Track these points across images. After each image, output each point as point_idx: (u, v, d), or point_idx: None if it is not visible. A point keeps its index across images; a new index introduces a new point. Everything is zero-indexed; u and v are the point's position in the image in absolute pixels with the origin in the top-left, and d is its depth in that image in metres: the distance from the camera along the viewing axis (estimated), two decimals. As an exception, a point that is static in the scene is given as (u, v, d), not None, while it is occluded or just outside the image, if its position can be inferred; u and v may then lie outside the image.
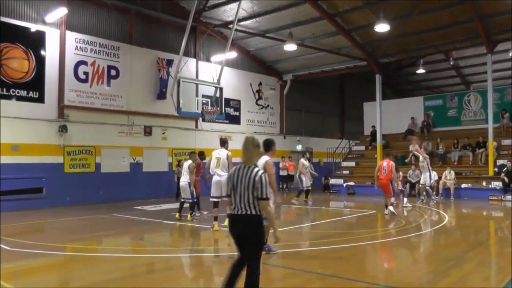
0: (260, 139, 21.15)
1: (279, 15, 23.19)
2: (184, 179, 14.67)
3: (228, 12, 23.48)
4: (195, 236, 12.87)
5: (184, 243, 11.83)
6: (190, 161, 14.91)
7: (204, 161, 16.03)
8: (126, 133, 21.66)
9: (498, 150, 23.70)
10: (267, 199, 5.39)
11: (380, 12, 20.31)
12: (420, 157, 19.96)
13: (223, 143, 13.06)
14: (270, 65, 29.68)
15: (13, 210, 16.63)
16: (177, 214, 14.70)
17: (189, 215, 14.50)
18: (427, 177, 19.95)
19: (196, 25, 23.92)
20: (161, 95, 22.58)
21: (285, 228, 12.60)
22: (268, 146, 9.23)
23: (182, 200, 14.98)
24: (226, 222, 12.34)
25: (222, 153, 12.64)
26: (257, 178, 5.38)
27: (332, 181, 27.84)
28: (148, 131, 22.35)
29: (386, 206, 15.56)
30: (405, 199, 18.86)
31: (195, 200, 14.84)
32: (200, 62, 24.91)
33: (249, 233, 5.41)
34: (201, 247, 11.20)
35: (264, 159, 8.92)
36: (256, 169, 5.48)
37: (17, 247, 9.97)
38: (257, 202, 5.38)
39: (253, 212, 5.39)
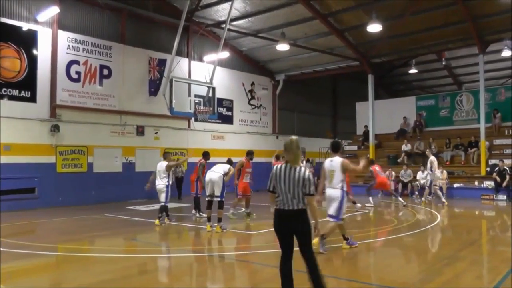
0: (254, 139, 21.40)
1: (272, 15, 23.20)
2: (162, 182, 13.90)
3: (221, 12, 23.47)
4: (188, 237, 12.85)
5: (177, 244, 11.80)
6: (165, 162, 14.14)
7: (208, 161, 15.97)
8: (119, 133, 21.60)
9: (490, 149, 23.80)
10: (313, 195, 5.89)
11: (373, 12, 20.35)
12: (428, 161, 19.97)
13: (230, 162, 13.89)
14: (263, 65, 29.68)
15: (6, 211, 16.52)
16: (166, 218, 14.04)
17: (157, 220, 13.82)
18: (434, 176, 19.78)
19: (189, 24, 23.89)
20: (152, 93, 22.61)
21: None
22: (338, 147, 9.94)
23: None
24: (208, 227, 12.39)
25: (225, 165, 13.24)
26: (306, 176, 5.84)
27: (324, 180, 27.81)
28: (140, 131, 22.30)
29: (354, 203, 17.38)
30: (400, 198, 18.90)
31: (167, 204, 14.07)
32: (192, 62, 24.87)
33: (301, 226, 5.85)
34: (194, 248, 11.19)
35: (339, 159, 9.58)
36: (303, 169, 5.90)
37: (9, 248, 9.92)
38: (304, 198, 5.85)
39: (301, 207, 5.84)
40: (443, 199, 19.15)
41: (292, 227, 5.86)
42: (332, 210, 9.54)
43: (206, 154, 15.82)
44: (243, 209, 15.57)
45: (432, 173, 19.61)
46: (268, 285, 7.47)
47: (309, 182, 5.86)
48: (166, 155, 14.86)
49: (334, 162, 9.58)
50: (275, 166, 6.02)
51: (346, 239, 9.83)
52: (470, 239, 11.91)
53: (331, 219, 9.55)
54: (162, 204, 13.86)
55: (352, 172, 9.58)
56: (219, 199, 12.42)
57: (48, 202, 18.72)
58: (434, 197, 21.15)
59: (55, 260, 9.61)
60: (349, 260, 9.13)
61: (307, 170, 5.94)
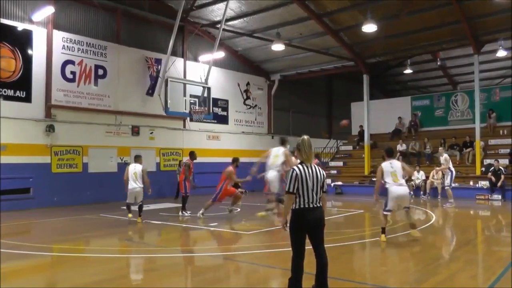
0: (249, 139, 21.41)
1: (267, 15, 23.21)
2: (140, 185, 14.11)
3: (216, 11, 23.46)
4: (182, 236, 12.84)
5: (171, 244, 11.79)
6: (137, 165, 14.31)
7: (195, 161, 16.02)
8: (114, 133, 21.57)
9: (485, 149, 23.86)
10: (326, 192, 6.31)
11: (368, 12, 20.38)
12: (441, 158, 19.25)
13: (283, 142, 14.21)
14: (258, 65, 29.69)
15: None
16: (139, 218, 14.16)
17: (139, 218, 14.17)
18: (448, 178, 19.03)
19: (184, 24, 23.89)
20: (151, 93, 22.62)
21: (272, 228, 12.60)
22: (392, 152, 11.52)
23: (128, 205, 14.55)
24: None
25: (280, 153, 13.75)
26: (324, 175, 6.25)
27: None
28: (136, 131, 22.26)
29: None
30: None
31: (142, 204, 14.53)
32: (188, 62, 24.86)
33: (323, 221, 6.18)
34: (189, 248, 11.18)
35: (396, 161, 11.09)
36: (319, 167, 6.23)
37: (4, 248, 9.88)
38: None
39: (320, 203, 6.15)
40: (451, 200, 18.55)
41: (317, 223, 6.09)
42: (408, 203, 10.99)
43: (192, 154, 16.09)
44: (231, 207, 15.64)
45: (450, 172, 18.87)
46: (266, 284, 7.48)
47: (325, 180, 6.28)
48: (139, 158, 14.71)
49: (393, 164, 10.78)
50: (296, 168, 6.09)
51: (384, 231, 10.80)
52: (465, 239, 11.93)
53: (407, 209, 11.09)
54: (141, 203, 14.42)
55: (408, 172, 11.68)
56: (278, 196, 13.04)
57: (43, 202, 18.67)
58: (429, 197, 21.22)
59: (50, 260, 9.59)
60: (343, 260, 9.13)
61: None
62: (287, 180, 6.17)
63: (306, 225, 6.03)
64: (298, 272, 5.99)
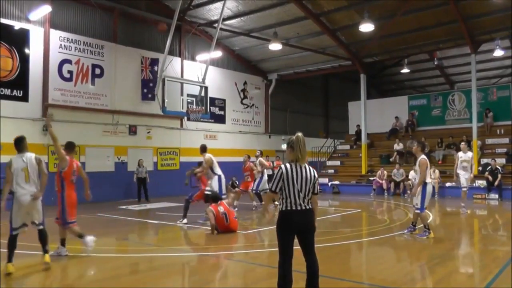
0: (246, 138, 21.33)
1: (264, 14, 23.22)
2: (33, 188, 9.03)
3: (213, 11, 23.46)
4: (180, 236, 12.82)
5: (169, 243, 11.77)
6: (28, 154, 8.81)
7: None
8: (111, 132, 21.55)
9: (482, 149, 23.90)
10: (318, 194, 5.93)
11: (365, 12, 20.40)
12: (465, 156, 16.66)
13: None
14: (255, 65, 29.70)
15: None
16: (46, 257, 8.64)
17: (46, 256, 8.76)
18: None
19: (181, 24, 23.89)
20: (145, 97, 22.56)
21: (269, 228, 12.61)
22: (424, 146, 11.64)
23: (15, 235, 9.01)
24: None
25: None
26: (316, 176, 5.83)
27: (317, 180, 27.84)
28: (133, 130, 22.24)
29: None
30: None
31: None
32: (185, 61, 24.87)
33: (312, 226, 5.77)
34: (186, 247, 11.17)
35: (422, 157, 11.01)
36: (311, 168, 5.83)
37: None
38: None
39: (310, 206, 5.75)
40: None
41: (304, 227, 5.71)
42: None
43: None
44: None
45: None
46: (262, 284, 7.47)
47: (317, 181, 5.85)
48: (22, 142, 9.03)
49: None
50: (283, 166, 5.74)
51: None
52: (462, 238, 11.94)
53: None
54: (42, 227, 9.51)
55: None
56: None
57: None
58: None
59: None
60: (340, 259, 9.13)
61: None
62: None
63: (294, 228, 5.66)
64: (285, 275, 5.61)
